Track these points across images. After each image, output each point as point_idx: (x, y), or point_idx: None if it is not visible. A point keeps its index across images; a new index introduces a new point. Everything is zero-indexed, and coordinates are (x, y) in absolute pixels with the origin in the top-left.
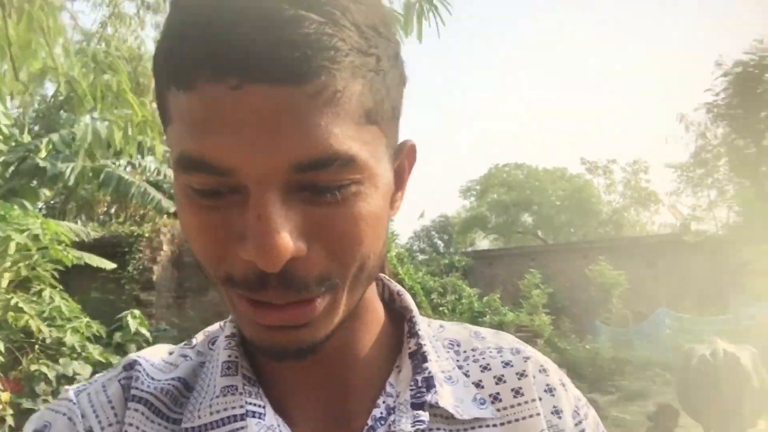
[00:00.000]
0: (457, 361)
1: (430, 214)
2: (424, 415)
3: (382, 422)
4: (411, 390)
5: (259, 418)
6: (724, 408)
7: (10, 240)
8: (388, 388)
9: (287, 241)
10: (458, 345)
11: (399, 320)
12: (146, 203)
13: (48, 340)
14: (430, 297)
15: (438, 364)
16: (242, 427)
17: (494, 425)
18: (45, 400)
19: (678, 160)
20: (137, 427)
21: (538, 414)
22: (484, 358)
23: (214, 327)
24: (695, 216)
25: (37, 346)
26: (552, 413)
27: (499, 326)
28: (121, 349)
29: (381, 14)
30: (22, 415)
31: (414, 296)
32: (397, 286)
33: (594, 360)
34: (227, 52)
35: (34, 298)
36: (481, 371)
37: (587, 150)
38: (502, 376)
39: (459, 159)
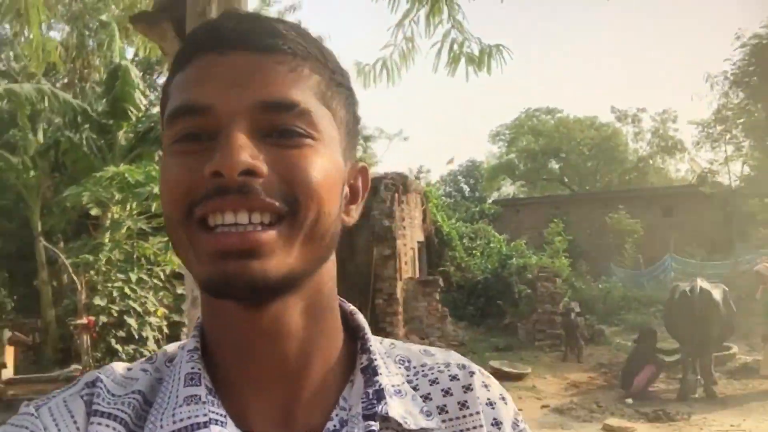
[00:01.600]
0: (407, 376)
1: (457, 158)
2: (375, 425)
3: None
4: (363, 402)
5: (222, 426)
6: (696, 331)
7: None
8: (342, 402)
9: (248, 154)
10: (408, 361)
11: (353, 339)
12: None
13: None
14: (462, 241)
15: (389, 378)
16: None
17: None
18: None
19: (701, 116)
20: None
21: (482, 426)
22: (432, 373)
23: (173, 347)
24: (712, 170)
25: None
26: (492, 425)
27: (524, 267)
28: None
29: (342, 67)
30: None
31: (450, 241)
32: (350, 306)
33: (605, 298)
34: (221, 31)
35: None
36: (430, 385)
37: (618, 100)
38: (449, 389)
39: (489, 103)
